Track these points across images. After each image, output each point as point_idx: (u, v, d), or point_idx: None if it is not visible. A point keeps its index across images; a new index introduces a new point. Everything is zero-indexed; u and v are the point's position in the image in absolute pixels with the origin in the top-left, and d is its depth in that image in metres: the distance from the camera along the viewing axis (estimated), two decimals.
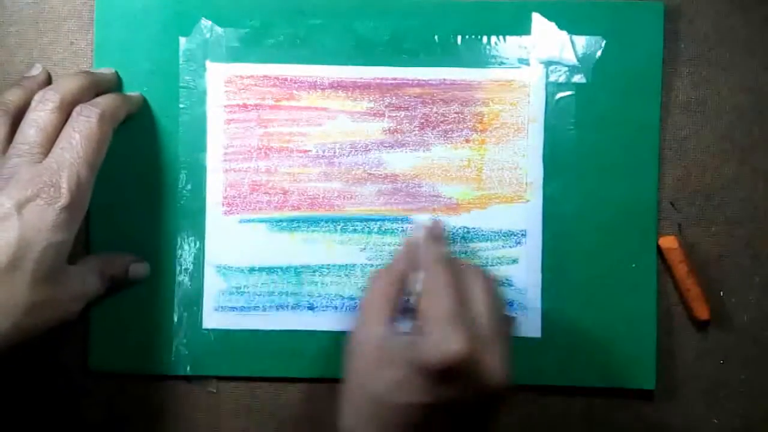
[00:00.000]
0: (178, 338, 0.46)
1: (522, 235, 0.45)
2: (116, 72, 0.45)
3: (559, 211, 0.45)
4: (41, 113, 0.39)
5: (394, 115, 0.46)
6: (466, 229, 0.46)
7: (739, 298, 0.46)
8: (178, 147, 0.46)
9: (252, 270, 0.46)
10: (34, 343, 0.40)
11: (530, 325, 0.45)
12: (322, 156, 0.46)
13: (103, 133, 0.39)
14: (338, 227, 0.46)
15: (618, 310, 0.45)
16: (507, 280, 0.46)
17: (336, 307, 0.46)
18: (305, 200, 0.46)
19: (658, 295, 0.45)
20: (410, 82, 0.45)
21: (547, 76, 0.45)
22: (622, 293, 0.45)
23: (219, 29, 0.45)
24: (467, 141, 0.46)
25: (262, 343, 0.46)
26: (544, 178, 0.45)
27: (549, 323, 0.45)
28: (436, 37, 0.45)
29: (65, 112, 0.40)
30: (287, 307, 0.46)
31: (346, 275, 0.46)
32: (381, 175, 0.46)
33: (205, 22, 0.45)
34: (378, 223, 0.46)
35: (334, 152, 0.46)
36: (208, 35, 0.45)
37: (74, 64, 0.46)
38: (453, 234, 0.46)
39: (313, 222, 0.46)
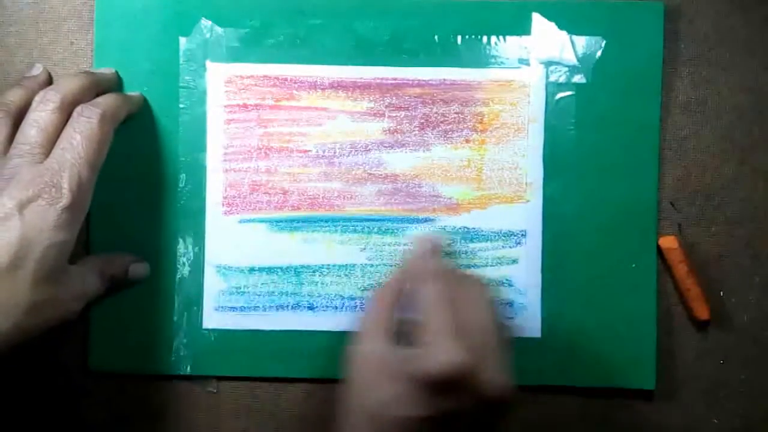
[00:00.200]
0: (178, 338, 0.46)
1: (522, 235, 0.46)
2: (116, 72, 0.45)
3: (559, 211, 0.45)
4: (42, 113, 0.39)
5: (394, 115, 0.46)
6: (466, 230, 0.46)
7: (739, 298, 0.46)
8: (178, 147, 0.46)
9: (252, 270, 0.46)
10: (35, 343, 0.40)
11: (530, 325, 0.46)
12: (322, 156, 0.46)
13: (104, 134, 0.40)
14: (338, 227, 0.46)
15: (618, 310, 0.45)
16: (507, 280, 0.46)
17: (336, 307, 0.46)
18: (305, 200, 0.46)
19: (658, 295, 0.46)
20: (410, 82, 0.46)
21: (547, 76, 0.46)
22: (622, 293, 0.45)
23: (219, 29, 0.45)
24: (467, 141, 0.46)
25: (262, 343, 0.46)
26: (544, 178, 0.45)
27: (549, 323, 0.46)
28: (436, 37, 0.45)
29: (66, 112, 0.40)
30: (287, 307, 0.46)
31: (346, 275, 0.46)
32: (381, 175, 0.46)
33: (205, 22, 0.45)
34: (378, 223, 0.46)
35: (334, 152, 0.46)
36: (208, 35, 0.45)
37: (74, 64, 0.46)
38: (453, 234, 0.46)
39: (313, 222, 0.46)
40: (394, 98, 0.46)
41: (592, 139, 0.45)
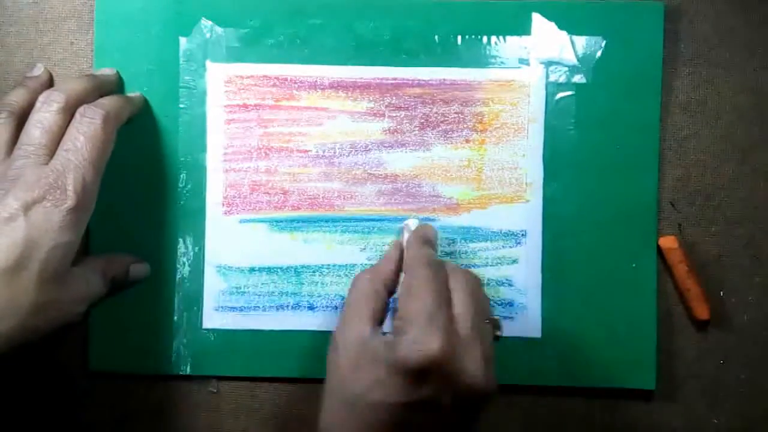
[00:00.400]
0: (178, 338, 0.46)
1: (522, 235, 0.46)
2: (117, 72, 0.45)
3: (559, 211, 0.46)
4: (46, 114, 0.40)
5: (394, 115, 0.46)
6: (466, 230, 0.46)
7: (739, 298, 0.47)
8: (178, 147, 0.46)
9: (252, 270, 0.46)
10: (37, 344, 0.40)
11: (530, 325, 0.46)
12: (322, 156, 0.46)
13: (107, 134, 0.40)
14: (338, 227, 0.46)
15: (618, 310, 0.46)
16: (507, 280, 0.46)
17: (336, 307, 0.46)
18: (305, 200, 0.46)
19: (658, 295, 0.46)
20: (410, 82, 0.46)
21: (547, 76, 0.46)
22: (622, 293, 0.46)
23: (219, 29, 0.46)
24: (467, 141, 0.46)
25: (262, 343, 0.46)
26: (544, 178, 0.46)
27: (549, 323, 0.46)
28: (436, 37, 0.46)
29: (70, 113, 0.40)
30: (287, 307, 0.46)
31: (346, 275, 0.46)
32: (381, 175, 0.46)
33: (205, 22, 0.46)
34: (378, 223, 0.46)
35: (334, 152, 0.46)
36: (208, 35, 0.46)
37: (74, 64, 0.46)
38: (453, 234, 0.46)
39: (313, 222, 0.46)
40: (394, 98, 0.46)
41: (592, 139, 0.46)
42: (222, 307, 0.46)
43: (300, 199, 0.46)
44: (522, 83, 0.46)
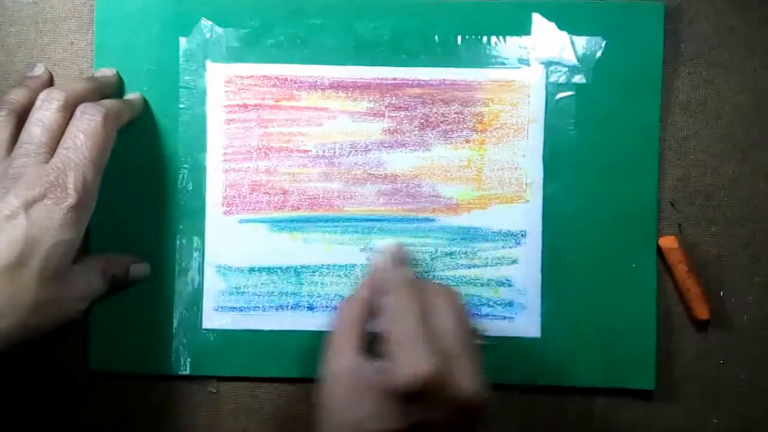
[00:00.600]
0: (178, 338, 0.46)
1: (522, 235, 0.46)
2: (117, 72, 0.45)
3: (559, 211, 0.46)
4: (46, 112, 0.40)
5: (394, 115, 0.46)
6: (466, 230, 0.46)
7: (739, 298, 0.47)
8: (178, 147, 0.46)
9: (252, 270, 0.46)
10: (37, 343, 0.40)
11: (530, 326, 0.46)
12: (322, 156, 0.46)
13: (107, 133, 0.40)
14: (338, 227, 0.46)
15: (618, 310, 0.46)
16: (507, 280, 0.46)
17: (336, 307, 0.46)
18: (305, 200, 0.46)
19: (658, 295, 0.46)
20: (410, 82, 0.46)
21: (547, 77, 0.46)
22: (622, 293, 0.46)
23: (219, 29, 0.46)
24: (467, 141, 0.46)
25: (262, 343, 0.46)
26: (544, 179, 0.46)
27: (549, 323, 0.46)
28: (436, 37, 0.46)
29: (70, 112, 0.41)
30: (287, 307, 0.46)
31: (346, 275, 0.46)
32: (381, 175, 0.46)
33: (205, 22, 0.46)
34: (378, 223, 0.46)
35: (334, 152, 0.46)
36: (208, 35, 0.46)
37: (74, 64, 0.47)
38: (453, 234, 0.46)
39: (313, 222, 0.46)
40: (394, 98, 0.46)
41: (592, 139, 0.46)
42: (222, 307, 0.46)
43: (300, 199, 0.46)
44: (522, 83, 0.46)
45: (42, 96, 0.41)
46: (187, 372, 0.46)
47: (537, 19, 0.46)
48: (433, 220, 0.46)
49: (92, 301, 0.43)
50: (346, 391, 0.37)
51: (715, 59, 0.47)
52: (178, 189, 0.46)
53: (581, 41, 0.46)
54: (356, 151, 0.46)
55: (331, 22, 0.46)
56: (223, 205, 0.46)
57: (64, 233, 0.38)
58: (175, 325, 0.46)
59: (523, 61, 0.46)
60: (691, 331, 0.47)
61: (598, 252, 0.46)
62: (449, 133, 0.46)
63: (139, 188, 0.46)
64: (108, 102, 0.42)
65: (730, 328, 0.47)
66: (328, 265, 0.46)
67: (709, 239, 0.47)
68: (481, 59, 0.46)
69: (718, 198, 0.47)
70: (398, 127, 0.46)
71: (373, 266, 0.43)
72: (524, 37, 0.46)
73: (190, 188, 0.46)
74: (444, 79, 0.46)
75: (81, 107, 0.40)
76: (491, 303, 0.46)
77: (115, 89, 0.45)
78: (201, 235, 0.46)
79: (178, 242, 0.46)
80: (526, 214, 0.46)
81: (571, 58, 0.46)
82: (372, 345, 0.39)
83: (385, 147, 0.46)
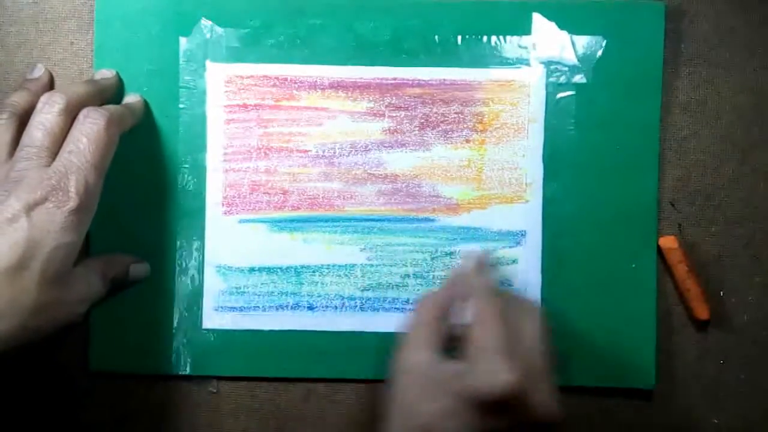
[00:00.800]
0: (178, 338, 0.46)
1: (522, 235, 0.46)
2: (117, 73, 0.45)
3: (558, 211, 0.46)
4: (48, 115, 0.40)
5: (394, 115, 0.46)
6: (466, 230, 0.46)
7: (739, 298, 0.47)
8: (178, 147, 0.46)
9: (252, 270, 0.46)
10: (39, 345, 0.41)
11: None
12: (322, 156, 0.46)
13: (110, 137, 0.40)
14: (338, 227, 0.46)
15: (618, 310, 0.46)
16: (506, 280, 0.46)
17: (336, 307, 0.46)
18: (305, 200, 0.46)
19: (658, 295, 0.46)
20: (410, 82, 0.46)
21: (548, 76, 0.46)
22: (622, 293, 0.46)
23: (219, 29, 0.46)
24: (467, 141, 0.46)
25: (262, 343, 0.46)
26: (544, 179, 0.46)
27: (549, 323, 0.46)
28: (436, 37, 0.46)
29: (71, 115, 0.41)
30: (287, 307, 0.46)
31: (346, 275, 0.46)
32: (381, 175, 0.46)
33: (205, 22, 0.46)
34: (378, 223, 0.46)
35: (334, 152, 0.46)
36: (208, 35, 0.46)
37: (74, 64, 0.47)
38: (453, 234, 0.46)
39: (313, 222, 0.46)
40: (394, 98, 0.46)
41: (592, 139, 0.46)
42: (222, 307, 0.46)
43: (300, 199, 0.46)
44: (522, 83, 0.46)
45: (43, 99, 0.41)
46: (187, 372, 0.46)
47: (537, 18, 0.46)
48: (433, 220, 0.46)
49: (93, 303, 0.43)
50: (419, 389, 0.36)
51: (715, 59, 0.47)
52: (178, 189, 0.46)
53: (581, 41, 0.46)
54: (356, 151, 0.47)
55: (331, 22, 0.46)
56: (223, 205, 0.46)
57: (66, 236, 0.38)
58: (175, 325, 0.46)
59: (523, 61, 0.46)
60: (691, 331, 0.47)
61: (598, 252, 0.46)
62: (449, 133, 0.46)
63: (139, 188, 0.46)
64: (111, 107, 0.42)
65: (730, 328, 0.47)
66: (328, 265, 0.47)
67: (709, 239, 0.47)
68: (481, 59, 0.46)
69: (718, 198, 0.47)
70: (398, 127, 0.46)
71: (457, 269, 0.43)
72: (524, 37, 0.46)
73: (190, 188, 0.46)
74: (444, 79, 0.46)
75: (84, 111, 0.41)
76: None
77: (115, 91, 0.45)
78: (201, 235, 0.46)
79: (178, 242, 0.46)
80: (526, 214, 0.46)
81: (571, 58, 0.46)
82: (448, 346, 0.39)
83: (385, 147, 0.47)
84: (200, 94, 0.46)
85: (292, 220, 0.47)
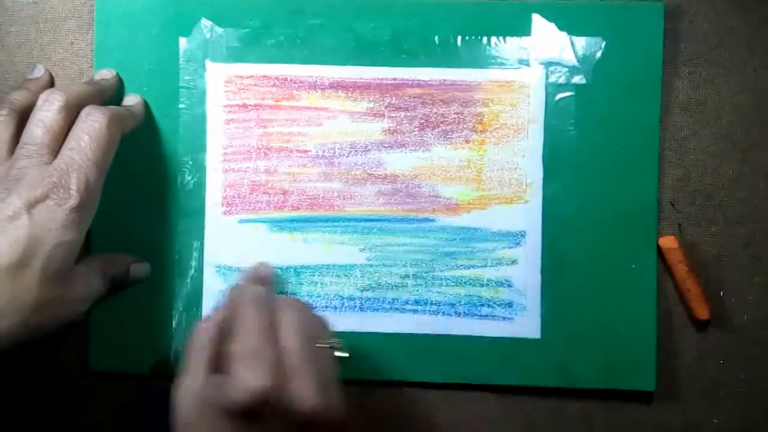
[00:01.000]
0: (177, 338, 0.46)
1: (521, 235, 0.46)
2: (117, 74, 0.45)
3: (558, 211, 0.46)
4: (47, 113, 0.40)
5: (394, 115, 0.46)
6: (465, 230, 0.46)
7: (739, 298, 0.47)
8: (178, 147, 0.46)
9: None
10: (39, 344, 0.41)
11: (529, 326, 0.46)
12: (322, 156, 0.46)
13: (111, 136, 0.41)
14: (338, 227, 0.46)
15: (618, 310, 0.46)
16: (507, 280, 0.46)
17: (336, 307, 0.46)
18: (305, 200, 0.46)
19: (658, 295, 0.46)
20: (410, 82, 0.46)
21: (547, 77, 0.46)
22: (622, 293, 0.46)
23: (219, 29, 0.46)
24: (467, 141, 0.46)
25: None
26: (543, 179, 0.46)
27: (549, 323, 0.46)
28: (436, 37, 0.46)
29: (71, 114, 0.41)
30: None
31: (346, 275, 0.46)
32: (381, 175, 0.46)
33: (205, 22, 0.46)
34: (378, 223, 0.46)
35: (334, 152, 0.46)
36: (208, 35, 0.46)
37: (74, 64, 0.47)
38: (453, 234, 0.46)
39: (312, 222, 0.46)
40: (394, 98, 0.46)
41: (592, 139, 0.46)
42: None
43: (300, 199, 0.47)
44: (522, 84, 0.46)
45: (43, 96, 0.41)
46: None
47: (537, 19, 0.46)
48: (432, 220, 0.47)
49: (93, 302, 0.43)
50: (192, 413, 0.36)
51: (715, 59, 0.47)
52: (178, 189, 0.47)
53: (581, 41, 0.46)
54: (356, 151, 0.47)
55: (331, 22, 0.46)
56: (222, 205, 0.47)
57: (67, 234, 0.38)
58: (174, 325, 0.47)
59: (523, 62, 0.46)
60: (691, 331, 0.47)
61: (598, 252, 0.46)
62: (449, 133, 0.47)
63: (139, 188, 0.46)
64: (113, 107, 0.42)
65: (730, 328, 0.47)
66: (328, 265, 0.47)
67: (709, 239, 0.47)
68: (481, 59, 0.46)
69: (718, 198, 0.47)
70: (398, 127, 0.47)
71: (233, 286, 0.43)
72: (524, 38, 0.46)
73: (190, 188, 0.47)
74: (444, 80, 0.46)
75: (86, 109, 0.41)
76: (491, 303, 0.46)
77: (115, 92, 0.46)
78: (201, 235, 0.47)
79: (178, 242, 0.47)
80: (525, 215, 0.46)
81: (571, 59, 0.46)
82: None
83: (385, 147, 0.47)
84: (200, 94, 0.46)
85: (291, 220, 0.47)
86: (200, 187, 0.47)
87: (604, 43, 0.46)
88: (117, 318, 0.46)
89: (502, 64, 0.46)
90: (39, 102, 0.41)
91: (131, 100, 0.46)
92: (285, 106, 0.47)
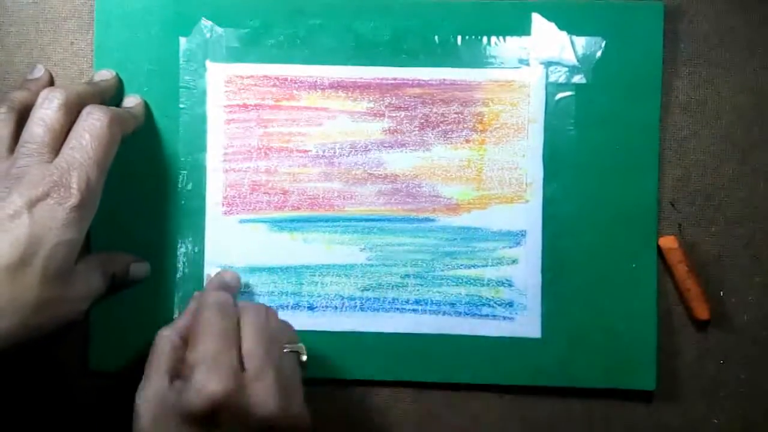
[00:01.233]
0: None
1: (522, 235, 0.46)
2: (117, 74, 0.46)
3: (559, 211, 0.46)
4: (47, 111, 0.40)
5: (394, 115, 0.46)
6: (466, 230, 0.46)
7: (739, 298, 0.47)
8: (178, 147, 0.46)
9: (252, 270, 0.47)
10: (40, 343, 0.41)
11: (530, 326, 0.46)
12: (322, 156, 0.46)
13: (112, 135, 0.41)
14: (338, 227, 0.47)
15: (618, 310, 0.46)
16: (507, 280, 0.46)
17: (336, 307, 0.46)
18: (305, 200, 0.46)
19: (658, 295, 0.46)
20: (410, 82, 0.46)
21: (547, 77, 0.46)
22: (622, 293, 0.46)
23: (219, 29, 0.46)
24: (467, 141, 0.46)
25: None
26: (544, 179, 0.46)
27: (549, 323, 0.46)
28: (436, 37, 0.46)
29: (71, 113, 0.41)
30: (287, 307, 0.46)
31: (346, 275, 0.46)
32: (381, 175, 0.46)
33: (205, 22, 0.46)
34: (378, 223, 0.46)
35: (334, 152, 0.46)
36: (208, 35, 0.46)
37: (74, 64, 0.47)
38: (453, 234, 0.46)
39: (313, 222, 0.46)
40: (394, 98, 0.46)
41: (592, 139, 0.46)
42: None
43: (300, 199, 0.47)
44: (522, 83, 0.46)
45: (43, 95, 0.41)
46: None
47: (537, 19, 0.46)
48: (433, 220, 0.47)
49: (94, 301, 0.43)
50: (154, 418, 0.36)
51: (715, 59, 0.47)
52: (178, 189, 0.47)
53: (581, 41, 0.46)
54: (356, 151, 0.47)
55: (331, 22, 0.46)
56: (223, 205, 0.47)
57: (67, 233, 0.38)
58: None
59: (523, 61, 0.47)
60: (691, 331, 0.47)
61: (598, 252, 0.46)
62: (449, 133, 0.47)
63: (139, 188, 0.47)
64: (114, 107, 0.43)
65: (730, 328, 0.47)
66: (328, 265, 0.47)
67: (709, 239, 0.47)
68: (481, 59, 0.46)
69: (718, 198, 0.47)
70: (398, 127, 0.47)
71: (196, 294, 0.43)
72: (524, 37, 0.46)
73: (190, 188, 0.47)
74: (444, 79, 0.47)
75: (87, 108, 0.41)
76: (491, 303, 0.46)
77: (114, 92, 0.46)
78: (201, 235, 0.47)
79: (178, 242, 0.47)
80: (526, 214, 0.47)
81: (571, 58, 0.46)
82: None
83: (385, 147, 0.47)
84: (200, 94, 0.47)
85: (292, 220, 0.47)
86: (200, 187, 0.47)
87: (604, 42, 0.46)
88: (117, 318, 0.46)
89: (502, 63, 0.47)
90: (39, 100, 0.41)
91: (131, 101, 0.46)
92: (285, 106, 0.47)
